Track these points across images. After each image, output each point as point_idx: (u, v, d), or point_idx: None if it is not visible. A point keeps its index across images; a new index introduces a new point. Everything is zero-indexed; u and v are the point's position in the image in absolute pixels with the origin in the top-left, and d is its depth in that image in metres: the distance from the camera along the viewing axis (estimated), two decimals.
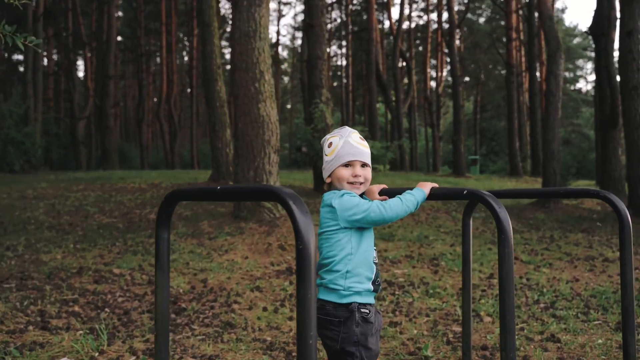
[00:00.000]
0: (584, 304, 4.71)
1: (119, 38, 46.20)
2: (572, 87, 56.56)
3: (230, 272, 5.60)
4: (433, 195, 2.22)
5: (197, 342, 3.55)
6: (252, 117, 7.31)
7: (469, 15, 47.05)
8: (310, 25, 11.53)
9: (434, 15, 41.08)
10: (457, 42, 48.85)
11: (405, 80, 34.78)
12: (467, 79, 53.40)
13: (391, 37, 32.08)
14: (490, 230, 8.78)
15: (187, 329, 3.85)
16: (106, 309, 4.26)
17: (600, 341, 3.62)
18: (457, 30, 47.85)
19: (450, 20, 26.02)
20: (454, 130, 21.82)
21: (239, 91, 7.41)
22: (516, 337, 3.71)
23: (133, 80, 46.39)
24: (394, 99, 26.28)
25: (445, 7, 28.37)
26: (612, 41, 14.12)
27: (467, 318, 2.99)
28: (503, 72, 38.57)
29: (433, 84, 45.22)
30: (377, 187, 2.38)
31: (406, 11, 40.82)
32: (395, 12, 69.49)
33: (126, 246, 6.78)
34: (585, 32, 14.31)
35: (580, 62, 54.87)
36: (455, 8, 45.89)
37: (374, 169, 11.76)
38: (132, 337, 3.59)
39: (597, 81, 15.83)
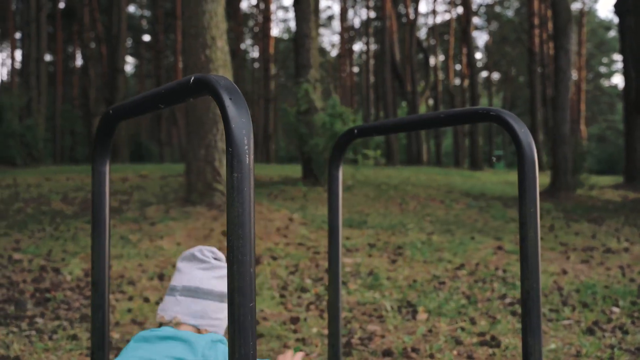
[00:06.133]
0: (562, 300, 3.76)
1: (147, 37, 46.05)
2: (607, 83, 54.28)
3: (147, 258, 4.79)
4: None
5: (19, 339, 2.74)
6: None
7: (497, 9, 45.48)
8: (297, 0, 10.68)
9: (459, 10, 39.69)
10: (486, 36, 47.35)
11: (423, 80, 33.62)
12: (496, 75, 51.66)
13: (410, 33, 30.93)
14: (483, 220, 7.77)
15: (27, 321, 3.04)
16: None
17: (553, 346, 2.67)
18: (486, 23, 46.44)
19: (467, 6, 24.80)
20: None
21: (188, 60, 6.59)
22: (444, 339, 2.80)
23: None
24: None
25: None
26: None
27: (334, 314, 2.09)
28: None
29: (458, 81, 43.83)
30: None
31: (430, 6, 39.61)
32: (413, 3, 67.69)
33: (56, 232, 6.04)
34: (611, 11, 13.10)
35: (615, 56, 52.42)
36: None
37: (363, 155, 10.69)
38: None
39: (623, 63, 14.55)
